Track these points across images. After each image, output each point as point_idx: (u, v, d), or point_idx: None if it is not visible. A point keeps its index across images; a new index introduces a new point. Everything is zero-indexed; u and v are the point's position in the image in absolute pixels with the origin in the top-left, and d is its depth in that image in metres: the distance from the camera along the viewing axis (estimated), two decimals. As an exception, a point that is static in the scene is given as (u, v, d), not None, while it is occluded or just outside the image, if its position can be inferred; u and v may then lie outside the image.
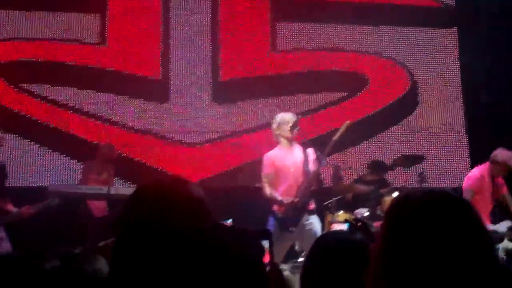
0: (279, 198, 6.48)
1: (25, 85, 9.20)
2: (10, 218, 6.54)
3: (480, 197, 7.34)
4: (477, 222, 1.48)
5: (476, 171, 7.74)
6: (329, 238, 2.48)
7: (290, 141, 6.66)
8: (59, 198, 6.82)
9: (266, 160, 6.70)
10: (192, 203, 1.91)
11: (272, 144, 6.88)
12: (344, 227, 6.50)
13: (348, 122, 6.76)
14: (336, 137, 6.60)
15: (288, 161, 6.61)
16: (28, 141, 8.98)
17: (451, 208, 1.47)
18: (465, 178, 7.86)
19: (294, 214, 6.42)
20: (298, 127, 6.66)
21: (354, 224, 2.68)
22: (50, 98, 9.20)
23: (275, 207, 6.55)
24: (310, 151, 6.63)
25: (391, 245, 1.46)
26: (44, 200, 6.78)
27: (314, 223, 6.51)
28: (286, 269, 4.64)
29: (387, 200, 8.07)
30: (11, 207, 6.70)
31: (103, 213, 7.58)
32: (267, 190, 6.60)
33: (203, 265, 1.41)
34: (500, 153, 7.52)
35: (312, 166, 6.50)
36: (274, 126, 6.73)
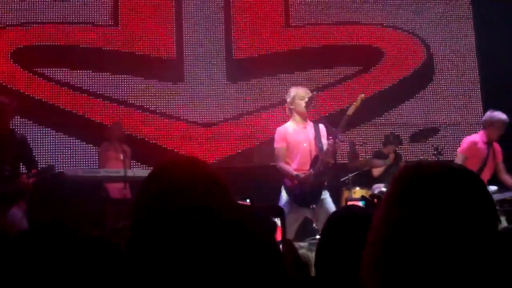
0: (294, 172, 6.44)
1: (40, 69, 9.22)
2: (11, 187, 6.36)
3: (473, 161, 7.36)
4: (488, 199, 1.46)
5: (471, 137, 7.81)
6: (342, 213, 2.47)
7: (305, 117, 6.64)
8: (52, 168, 6.76)
9: (278, 133, 6.68)
10: (207, 182, 1.92)
11: (286, 119, 6.86)
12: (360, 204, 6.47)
13: (362, 95, 6.69)
14: (350, 111, 6.55)
15: (300, 136, 6.58)
16: (44, 127, 9.01)
17: (463, 182, 1.44)
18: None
19: (312, 190, 6.41)
20: (313, 103, 6.63)
21: (371, 200, 2.66)
22: (64, 81, 9.22)
23: (287, 181, 6.52)
24: (322, 127, 6.60)
25: (396, 214, 1.43)
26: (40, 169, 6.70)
27: (326, 198, 6.50)
28: (303, 246, 4.64)
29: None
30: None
31: (120, 194, 7.61)
32: (281, 164, 6.59)
33: (214, 243, 1.42)
34: (491, 115, 7.57)
35: (325, 142, 6.46)
36: (289, 100, 6.70)
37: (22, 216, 6.27)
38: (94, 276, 1.93)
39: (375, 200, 2.62)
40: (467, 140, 7.73)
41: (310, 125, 6.67)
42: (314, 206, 6.38)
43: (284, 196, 6.52)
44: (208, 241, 1.42)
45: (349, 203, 7.09)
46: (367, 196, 2.90)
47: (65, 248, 2.02)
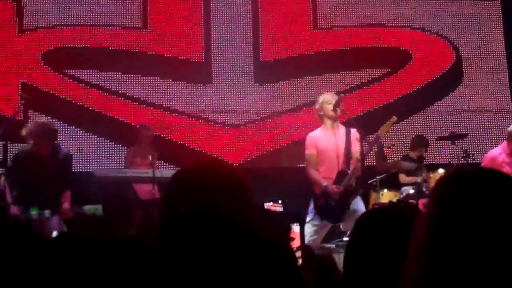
0: (323, 183, 6.34)
1: (69, 71, 9.33)
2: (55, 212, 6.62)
3: None
4: None
5: (490, 153, 7.52)
6: (370, 215, 2.47)
7: (334, 121, 6.52)
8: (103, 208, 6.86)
9: (309, 140, 6.59)
10: (231, 185, 1.94)
11: (315, 124, 6.82)
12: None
13: (394, 118, 6.49)
14: (380, 132, 6.41)
15: (330, 142, 6.46)
16: (73, 127, 9.10)
17: (503, 187, 1.44)
18: None
19: (338, 206, 6.25)
20: (341, 106, 6.55)
21: (397, 205, 2.64)
22: (94, 83, 9.32)
23: (316, 189, 6.43)
24: (354, 132, 6.45)
25: (438, 222, 1.44)
26: (84, 207, 6.85)
27: (357, 201, 6.38)
28: (330, 247, 4.65)
29: (433, 177, 7.99)
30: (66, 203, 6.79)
31: (150, 196, 7.67)
32: (311, 172, 6.50)
33: (229, 247, 1.46)
34: None
35: (355, 149, 6.36)
36: (317, 107, 6.61)
37: (59, 223, 6.49)
38: (123, 275, 1.96)
39: (402, 205, 2.60)
40: (487, 157, 7.46)
41: (341, 129, 6.56)
42: (339, 224, 6.31)
43: (313, 204, 6.42)
44: (220, 243, 1.46)
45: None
46: (395, 201, 2.88)
47: (94, 250, 2.06)
